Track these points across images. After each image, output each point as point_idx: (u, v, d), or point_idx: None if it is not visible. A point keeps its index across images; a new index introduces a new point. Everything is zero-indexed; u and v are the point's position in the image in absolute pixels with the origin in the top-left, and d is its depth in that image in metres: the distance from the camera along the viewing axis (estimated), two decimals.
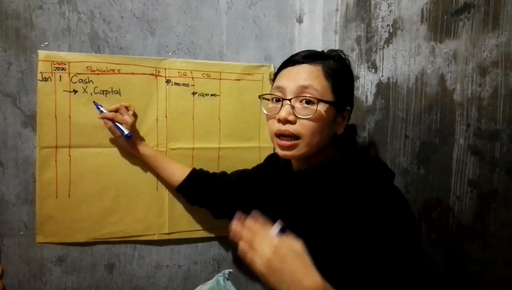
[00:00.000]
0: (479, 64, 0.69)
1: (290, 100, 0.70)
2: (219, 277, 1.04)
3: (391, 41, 0.93)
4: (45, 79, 0.96)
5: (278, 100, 0.73)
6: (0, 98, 0.95)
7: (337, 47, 1.16)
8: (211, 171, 1.06)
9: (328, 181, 0.73)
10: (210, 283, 1.03)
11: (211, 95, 1.11)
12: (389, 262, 0.63)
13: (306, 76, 0.71)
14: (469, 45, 0.71)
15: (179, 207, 1.10)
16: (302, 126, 0.70)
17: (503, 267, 0.65)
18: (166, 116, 1.07)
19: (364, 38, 1.04)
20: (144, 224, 1.07)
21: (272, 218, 0.84)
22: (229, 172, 1.05)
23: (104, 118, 0.97)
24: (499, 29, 0.65)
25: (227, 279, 1.03)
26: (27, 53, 0.96)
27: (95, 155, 1.02)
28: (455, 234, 0.75)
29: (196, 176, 1.03)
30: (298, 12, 1.21)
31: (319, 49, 0.80)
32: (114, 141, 1.02)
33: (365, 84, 1.04)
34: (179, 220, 1.11)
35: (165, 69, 1.06)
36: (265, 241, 0.58)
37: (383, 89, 0.96)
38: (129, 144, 1.00)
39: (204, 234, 1.14)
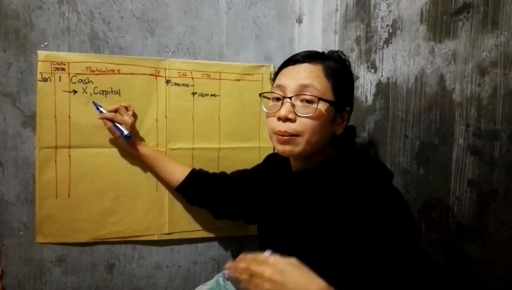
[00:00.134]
0: (478, 64, 0.69)
1: (290, 98, 0.71)
2: (219, 277, 1.04)
3: (390, 41, 0.93)
4: (45, 80, 0.96)
5: (278, 99, 0.74)
6: (0, 98, 0.95)
7: (336, 47, 1.17)
8: (211, 171, 1.06)
9: (328, 181, 0.73)
10: (210, 283, 1.03)
11: (211, 95, 1.11)
12: (389, 262, 0.63)
13: (306, 75, 0.71)
14: (468, 45, 0.71)
15: (179, 207, 1.10)
16: (302, 125, 0.70)
17: (503, 267, 0.65)
18: (166, 116, 1.07)
19: (363, 38, 1.05)
20: (144, 224, 1.07)
21: (272, 218, 0.85)
22: (229, 172, 1.05)
23: (103, 118, 0.97)
24: (498, 29, 0.65)
25: (227, 279, 1.03)
26: (27, 53, 0.96)
27: (95, 155, 1.02)
28: (455, 234, 0.75)
29: (196, 176, 1.03)
30: (298, 12, 1.21)
31: (319, 50, 0.81)
32: (114, 142, 1.02)
33: (365, 84, 1.04)
34: (179, 220, 1.11)
35: (165, 69, 1.06)
36: (261, 263, 0.61)
37: (383, 89, 0.96)
38: (128, 144, 1.00)
39: (204, 234, 1.14)
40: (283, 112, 0.70)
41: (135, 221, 1.06)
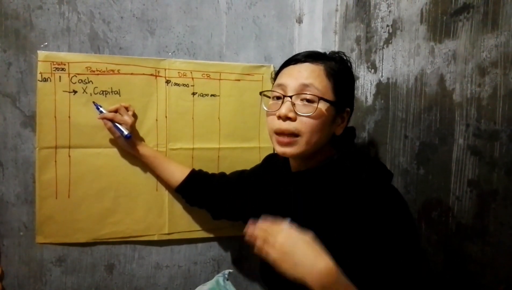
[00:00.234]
0: (478, 64, 0.69)
1: (291, 97, 0.71)
2: (219, 277, 1.03)
3: (390, 41, 0.93)
4: (45, 80, 0.96)
5: (278, 98, 0.74)
6: (0, 98, 0.95)
7: (336, 48, 1.17)
8: (211, 171, 1.06)
9: (327, 182, 0.74)
10: (210, 283, 1.02)
11: (211, 95, 1.11)
12: (388, 262, 0.63)
13: (307, 75, 0.72)
14: (468, 45, 0.71)
15: (179, 207, 1.10)
16: (302, 124, 0.70)
17: (503, 267, 0.65)
18: (166, 117, 1.07)
19: (363, 38, 1.05)
20: (144, 225, 1.07)
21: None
22: (229, 172, 1.05)
23: (103, 118, 0.97)
24: (498, 29, 0.65)
25: (227, 279, 1.03)
26: (27, 54, 0.96)
27: (95, 155, 1.02)
28: (455, 234, 0.75)
29: (195, 177, 1.03)
30: (298, 12, 1.21)
31: (319, 50, 0.81)
32: (114, 142, 1.02)
33: (365, 84, 1.04)
34: (179, 220, 1.11)
35: (165, 70, 1.06)
36: (277, 231, 0.62)
37: (383, 89, 0.96)
38: (128, 144, 1.00)
39: (204, 234, 1.14)
40: (283, 110, 0.70)
41: (135, 221, 1.06)
